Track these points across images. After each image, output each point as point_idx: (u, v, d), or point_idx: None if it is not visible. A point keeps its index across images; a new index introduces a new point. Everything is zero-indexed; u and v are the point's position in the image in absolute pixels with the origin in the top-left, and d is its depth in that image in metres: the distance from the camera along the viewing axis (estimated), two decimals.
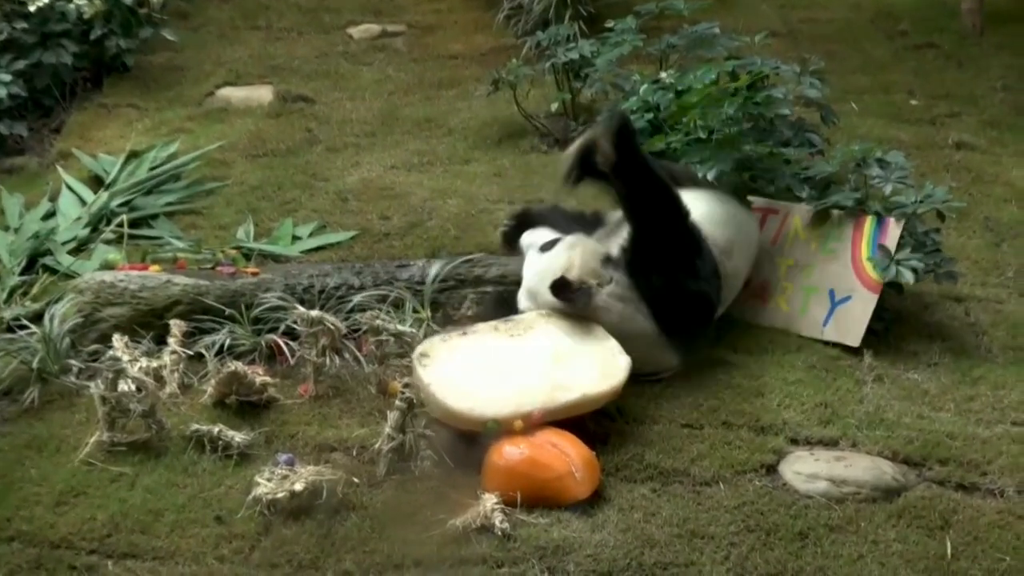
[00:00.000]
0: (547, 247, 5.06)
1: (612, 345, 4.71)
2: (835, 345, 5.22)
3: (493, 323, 4.83)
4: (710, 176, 5.32)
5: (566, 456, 4.22)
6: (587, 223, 5.44)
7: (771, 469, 4.50)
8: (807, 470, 4.48)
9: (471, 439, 4.47)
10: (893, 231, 5.22)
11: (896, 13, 8.71)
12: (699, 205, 5.11)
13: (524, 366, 4.60)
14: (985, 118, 7.48)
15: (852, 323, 5.19)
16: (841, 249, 5.31)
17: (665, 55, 6.57)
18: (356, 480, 4.33)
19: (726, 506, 4.29)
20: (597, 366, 4.61)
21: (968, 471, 4.52)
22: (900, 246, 5.20)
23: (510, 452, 4.27)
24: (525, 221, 5.59)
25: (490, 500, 4.14)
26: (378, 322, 4.96)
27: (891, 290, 5.24)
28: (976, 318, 5.56)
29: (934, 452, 4.59)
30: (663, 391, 4.85)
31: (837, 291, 5.26)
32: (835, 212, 5.38)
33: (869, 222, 5.29)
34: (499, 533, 4.03)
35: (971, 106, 7.61)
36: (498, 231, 5.73)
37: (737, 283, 5.30)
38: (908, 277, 5.12)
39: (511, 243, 5.57)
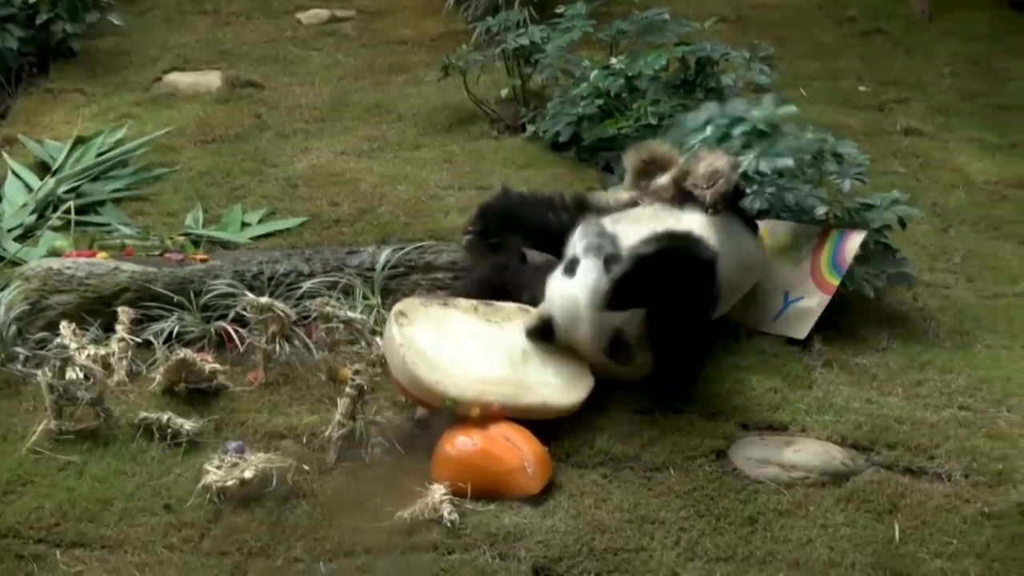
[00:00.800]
0: (570, 268, 4.79)
1: (582, 360, 4.69)
2: None
3: (474, 303, 4.79)
4: None
5: (519, 451, 4.21)
6: (571, 210, 5.27)
7: (721, 454, 4.52)
8: (757, 455, 4.50)
9: (422, 426, 4.47)
10: (854, 243, 5.23)
11: (844, 0, 8.76)
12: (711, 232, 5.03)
13: (495, 356, 4.59)
14: (933, 104, 7.53)
15: (802, 319, 5.21)
16: (801, 258, 5.33)
17: (615, 41, 6.58)
18: (306, 467, 4.32)
19: (676, 491, 4.31)
20: (564, 377, 4.61)
21: (916, 455, 4.55)
22: (861, 256, 5.25)
23: (463, 443, 4.26)
24: (492, 222, 5.36)
25: (438, 490, 4.13)
26: (328, 309, 4.95)
27: (851, 285, 5.27)
28: (924, 303, 5.59)
29: (882, 437, 4.62)
30: None
31: (791, 293, 5.28)
32: (798, 225, 5.41)
33: (833, 235, 5.29)
34: (447, 524, 4.03)
35: (919, 92, 7.65)
36: (463, 241, 5.46)
37: (733, 299, 5.27)
38: (869, 292, 5.21)
39: (478, 251, 5.37)
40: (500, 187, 5.49)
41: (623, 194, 5.28)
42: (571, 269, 4.71)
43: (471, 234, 5.35)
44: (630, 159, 5.30)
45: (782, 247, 5.40)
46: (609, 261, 4.62)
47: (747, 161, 5.26)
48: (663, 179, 5.17)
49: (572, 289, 4.64)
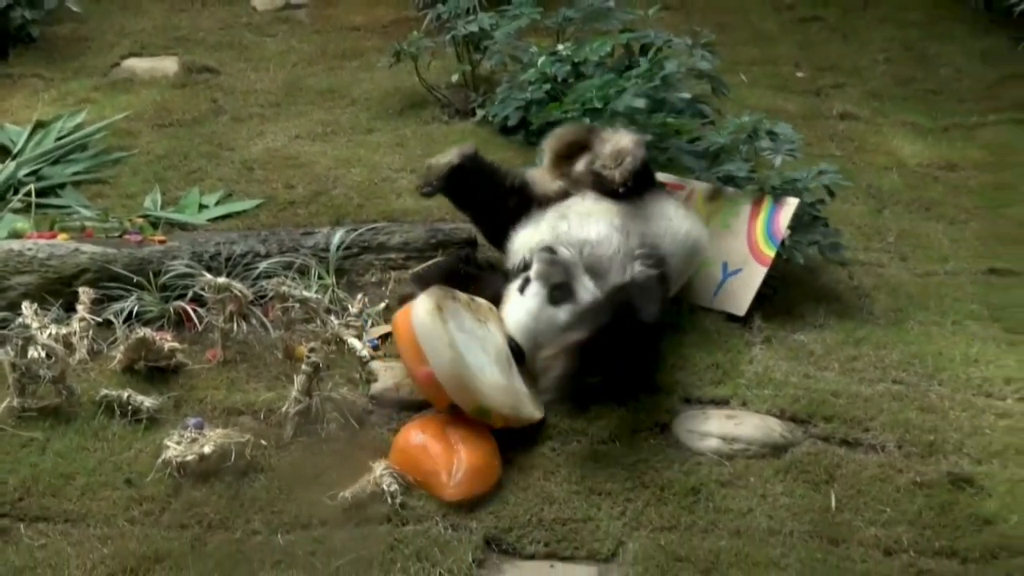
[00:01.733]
0: (524, 287, 4.70)
1: None
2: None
3: (466, 296, 4.66)
4: None
5: (455, 457, 4.18)
6: (517, 193, 5.18)
7: (665, 428, 4.56)
8: (699, 428, 4.54)
9: (376, 402, 4.51)
10: (788, 211, 5.29)
11: None
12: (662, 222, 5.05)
13: (494, 359, 4.48)
14: (868, 89, 7.57)
15: (740, 294, 5.25)
16: (738, 225, 5.36)
17: (562, 28, 6.59)
18: (264, 443, 4.33)
19: (622, 463, 4.34)
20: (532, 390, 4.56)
21: (851, 428, 4.60)
22: (794, 226, 5.30)
23: (413, 434, 4.30)
24: (457, 184, 5.18)
25: (380, 466, 4.17)
26: (284, 288, 4.93)
27: (786, 255, 5.30)
28: (859, 282, 5.64)
29: (819, 410, 4.66)
30: None
31: (730, 264, 5.31)
32: (732, 189, 5.43)
33: (767, 202, 5.35)
34: (388, 500, 4.07)
35: (855, 78, 7.69)
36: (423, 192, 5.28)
37: (680, 281, 5.27)
38: (799, 259, 5.26)
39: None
40: (471, 148, 5.26)
41: (552, 183, 5.21)
42: (522, 290, 4.67)
43: (431, 189, 5.21)
44: (549, 143, 5.31)
45: (721, 214, 5.44)
46: (555, 290, 4.58)
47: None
48: (580, 165, 5.17)
49: (521, 316, 4.61)
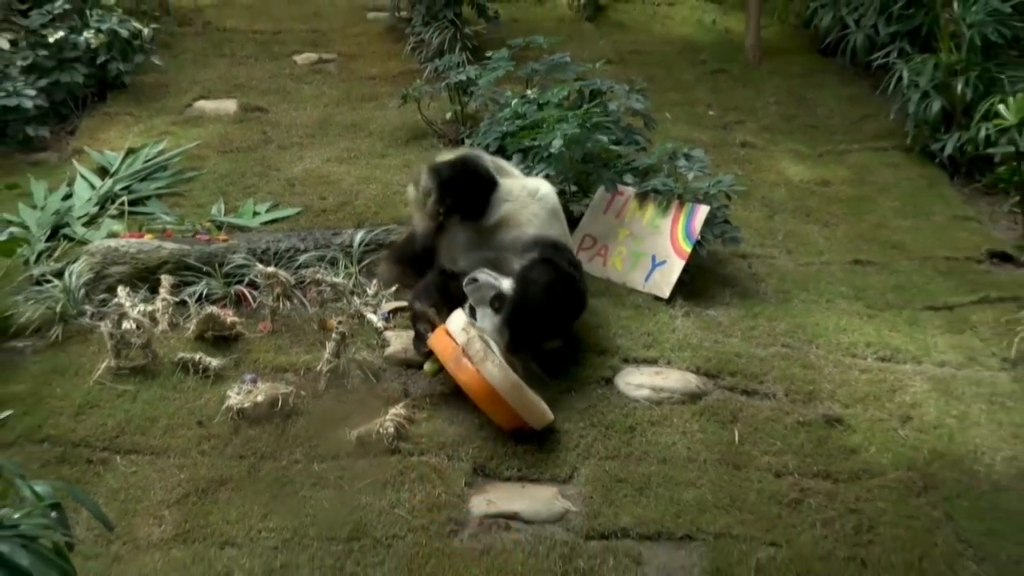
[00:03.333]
0: (472, 313, 4.45)
1: None
2: None
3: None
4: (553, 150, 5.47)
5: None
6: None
7: (608, 381, 4.55)
8: (635, 381, 4.53)
9: (389, 362, 4.50)
10: (701, 215, 5.29)
11: (698, 47, 8.78)
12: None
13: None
14: (762, 124, 7.58)
15: (665, 280, 5.23)
16: (664, 225, 5.35)
17: (530, 77, 6.56)
18: (303, 393, 4.33)
19: (576, 408, 4.34)
20: None
21: (750, 380, 4.61)
22: (704, 224, 5.30)
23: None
24: (464, 186, 4.78)
25: (391, 412, 4.18)
26: (318, 275, 4.95)
27: (697, 249, 5.28)
28: (756, 270, 5.64)
29: (726, 367, 4.67)
30: None
31: (657, 256, 5.30)
32: (657, 195, 5.43)
33: (685, 208, 5.34)
34: (386, 442, 4.08)
35: (752, 116, 7.69)
36: (428, 207, 4.84)
37: None
38: (702, 252, 5.31)
39: (436, 215, 4.83)
40: (478, 152, 5.08)
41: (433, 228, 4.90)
42: (473, 315, 4.46)
43: (441, 196, 4.75)
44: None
45: (649, 218, 5.41)
46: (494, 302, 4.41)
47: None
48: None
49: (492, 334, 4.36)
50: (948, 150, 6.86)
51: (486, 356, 4.07)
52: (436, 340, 4.28)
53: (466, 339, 4.14)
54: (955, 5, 7.14)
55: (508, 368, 4.09)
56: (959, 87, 6.84)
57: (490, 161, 4.98)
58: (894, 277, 5.70)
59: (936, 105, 6.94)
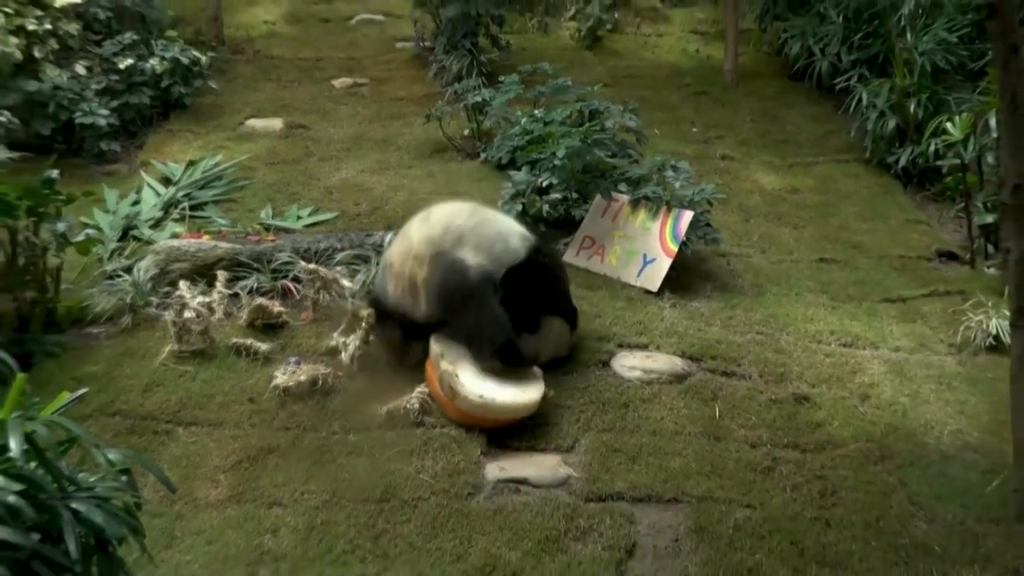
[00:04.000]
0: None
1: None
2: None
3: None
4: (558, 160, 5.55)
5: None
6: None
7: (605, 364, 4.54)
8: (628, 364, 4.52)
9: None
10: (686, 219, 5.27)
11: (683, 72, 8.76)
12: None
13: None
14: (739, 139, 7.55)
15: (655, 276, 5.22)
16: (653, 228, 5.34)
17: (537, 99, 6.56)
18: (339, 374, 4.32)
19: (577, 387, 4.33)
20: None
21: (729, 363, 4.60)
22: (689, 227, 5.29)
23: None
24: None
25: (416, 390, 4.18)
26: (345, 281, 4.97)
27: (683, 249, 5.27)
28: (734, 267, 5.63)
29: (708, 351, 4.66)
30: None
31: (648, 255, 5.29)
32: (648, 202, 5.42)
33: (672, 213, 5.32)
34: (412, 416, 4.09)
35: (730, 132, 7.67)
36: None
37: None
38: (687, 251, 5.28)
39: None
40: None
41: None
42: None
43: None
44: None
45: (641, 222, 5.40)
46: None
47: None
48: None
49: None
50: (902, 162, 6.88)
51: (454, 392, 3.98)
52: (429, 377, 4.18)
53: (438, 375, 4.06)
54: (908, 35, 7.15)
55: (473, 394, 3.97)
56: (911, 107, 6.85)
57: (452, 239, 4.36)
58: (854, 273, 5.69)
59: (891, 123, 6.98)
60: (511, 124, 6.50)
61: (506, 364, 4.15)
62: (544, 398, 4.12)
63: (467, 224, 4.35)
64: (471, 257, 4.23)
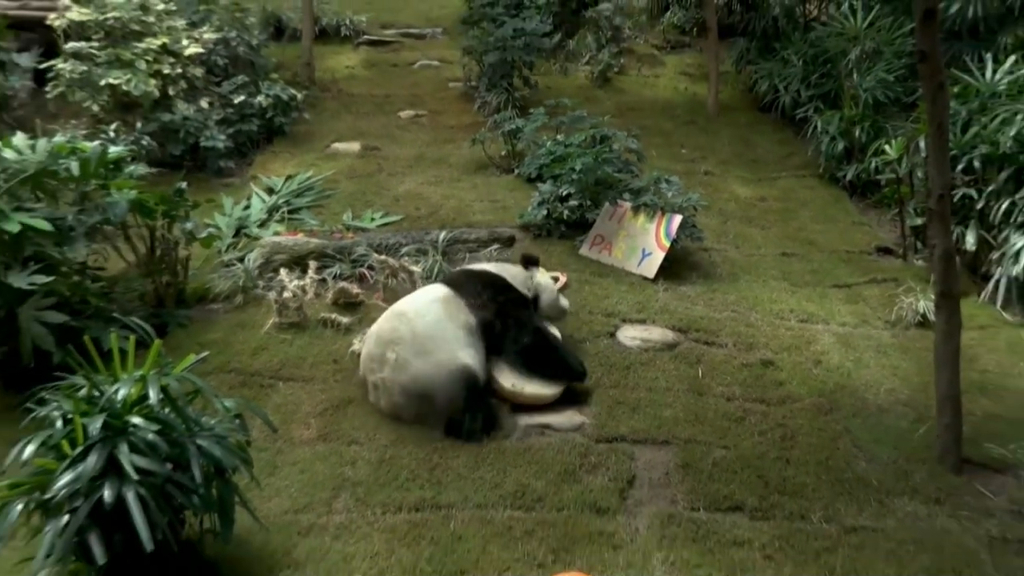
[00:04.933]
0: None
1: None
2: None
3: None
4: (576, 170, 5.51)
5: None
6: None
7: (612, 335, 4.52)
8: (630, 335, 4.50)
9: None
10: (676, 221, 5.22)
11: (674, 105, 8.66)
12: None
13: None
14: (719, 159, 7.47)
15: (651, 266, 5.17)
16: (651, 228, 5.29)
17: (559, 126, 6.52)
18: None
19: (590, 353, 4.31)
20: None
21: (709, 335, 4.56)
22: (679, 228, 5.24)
23: None
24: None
25: None
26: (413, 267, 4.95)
27: (673, 245, 5.22)
28: (714, 259, 5.57)
29: (693, 325, 4.62)
30: None
31: (646, 249, 5.24)
32: (646, 208, 5.37)
33: (665, 217, 5.27)
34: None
35: (712, 153, 7.59)
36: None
37: None
38: (677, 247, 5.21)
39: None
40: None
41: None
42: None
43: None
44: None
45: (641, 223, 5.35)
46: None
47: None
48: None
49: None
50: (848, 176, 6.78)
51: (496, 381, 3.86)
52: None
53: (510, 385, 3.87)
54: (855, 75, 7.05)
55: (506, 384, 3.85)
56: (857, 133, 6.75)
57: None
58: (810, 264, 5.61)
59: (840, 145, 6.88)
60: (539, 146, 6.47)
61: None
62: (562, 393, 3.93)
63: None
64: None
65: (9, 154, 3.94)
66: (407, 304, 3.95)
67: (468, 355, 3.75)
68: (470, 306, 3.91)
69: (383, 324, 3.90)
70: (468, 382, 3.70)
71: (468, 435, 3.65)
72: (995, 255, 5.20)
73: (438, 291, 3.98)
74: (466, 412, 3.68)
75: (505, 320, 3.94)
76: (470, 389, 3.70)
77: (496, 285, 4.04)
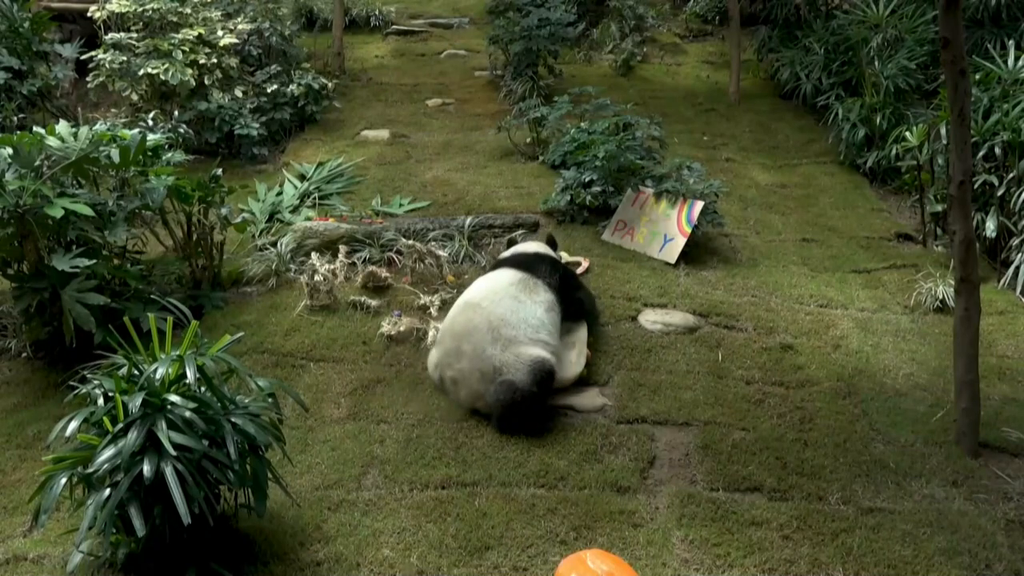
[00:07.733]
0: None
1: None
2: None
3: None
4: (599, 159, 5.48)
5: None
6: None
7: (634, 318, 4.49)
8: (651, 318, 4.47)
9: None
10: (697, 208, 5.17)
11: (696, 93, 8.56)
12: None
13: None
14: (740, 146, 7.38)
15: (673, 251, 5.13)
16: (672, 214, 5.24)
17: (583, 114, 6.46)
18: (432, 323, 4.32)
19: (612, 336, 4.30)
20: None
21: (730, 319, 4.52)
22: (700, 214, 5.19)
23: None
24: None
25: None
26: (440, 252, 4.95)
27: (695, 230, 5.17)
28: (735, 245, 5.51)
29: (713, 309, 4.58)
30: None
31: (668, 235, 5.20)
32: (668, 194, 5.33)
33: (687, 203, 5.22)
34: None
35: (733, 140, 7.50)
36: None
37: None
38: (698, 232, 5.17)
39: None
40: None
41: None
42: None
43: None
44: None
45: (663, 209, 5.30)
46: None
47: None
48: None
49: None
50: (869, 163, 6.67)
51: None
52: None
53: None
54: (876, 63, 6.93)
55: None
56: (878, 120, 6.64)
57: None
58: (830, 250, 5.54)
59: (861, 132, 6.77)
60: (563, 134, 6.42)
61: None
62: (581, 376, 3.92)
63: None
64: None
65: (53, 142, 3.98)
66: (478, 294, 3.87)
67: (545, 345, 3.70)
68: (547, 285, 3.96)
69: (456, 317, 3.79)
70: (543, 375, 3.58)
71: (527, 426, 3.54)
72: (1015, 241, 5.10)
73: (511, 275, 3.94)
74: (533, 403, 3.56)
75: (576, 290, 4.23)
76: (542, 383, 3.57)
77: (554, 262, 4.19)
